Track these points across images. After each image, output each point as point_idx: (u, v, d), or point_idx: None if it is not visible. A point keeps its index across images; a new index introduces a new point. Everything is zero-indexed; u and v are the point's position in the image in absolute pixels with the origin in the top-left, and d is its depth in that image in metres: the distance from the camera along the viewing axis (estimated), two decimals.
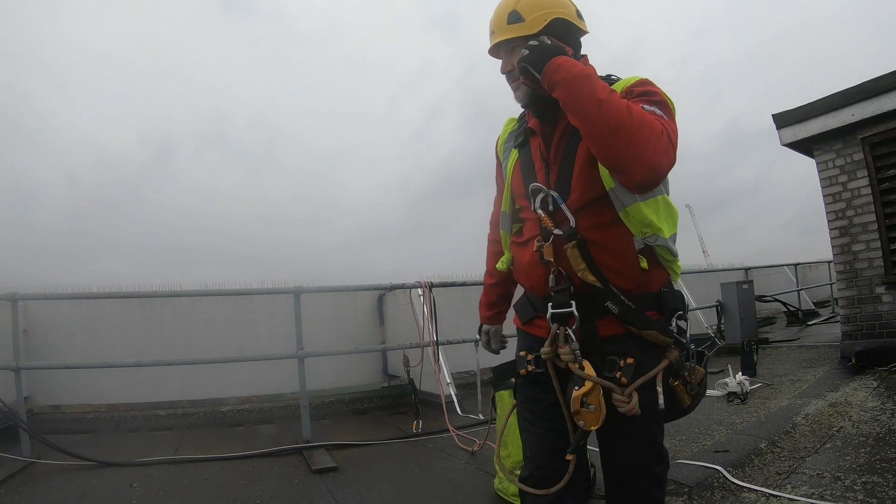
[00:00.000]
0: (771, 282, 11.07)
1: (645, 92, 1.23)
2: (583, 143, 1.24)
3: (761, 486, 2.54)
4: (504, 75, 1.38)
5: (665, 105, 1.21)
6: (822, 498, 2.35)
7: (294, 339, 4.29)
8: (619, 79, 1.33)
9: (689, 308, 8.21)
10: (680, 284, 8.71)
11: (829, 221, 5.61)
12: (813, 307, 10.98)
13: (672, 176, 1.26)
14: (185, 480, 3.26)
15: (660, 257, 1.33)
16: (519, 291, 1.61)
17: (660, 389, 1.28)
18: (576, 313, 1.26)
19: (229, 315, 5.97)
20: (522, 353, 1.41)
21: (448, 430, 4.06)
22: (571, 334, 1.26)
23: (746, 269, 9.66)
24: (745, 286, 7.71)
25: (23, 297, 4.20)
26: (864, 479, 2.49)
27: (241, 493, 3.04)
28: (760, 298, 8.88)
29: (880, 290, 5.22)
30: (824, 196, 5.64)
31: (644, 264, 1.29)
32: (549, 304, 1.30)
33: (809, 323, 9.20)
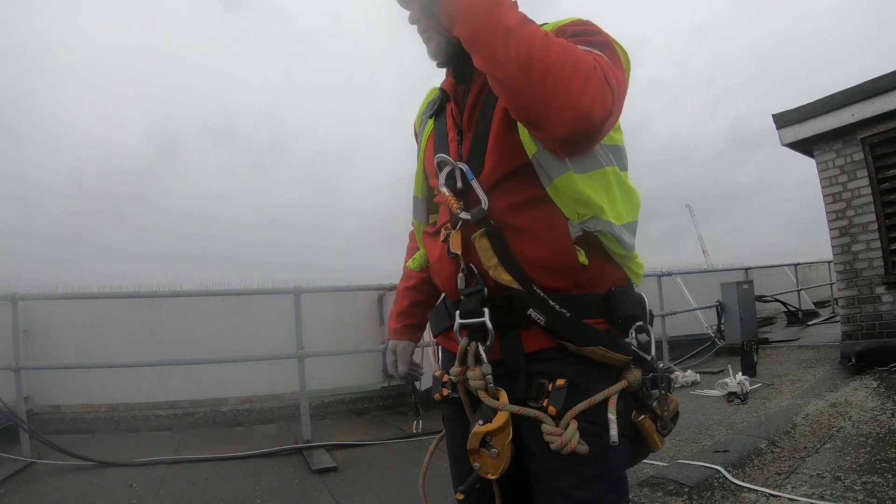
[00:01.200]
0: (771, 282, 11.07)
1: (582, 31, 0.92)
2: (501, 101, 0.94)
3: (761, 486, 2.54)
4: (414, 26, 1.09)
5: (609, 46, 0.90)
6: (822, 498, 2.35)
7: (294, 339, 4.30)
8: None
9: (689, 308, 8.14)
10: (679, 284, 8.72)
11: (829, 221, 5.61)
12: (813, 307, 10.99)
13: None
14: (185, 480, 3.26)
15: (610, 251, 0.99)
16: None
17: (612, 417, 0.91)
18: (488, 324, 0.95)
19: (229, 315, 5.97)
20: (438, 374, 1.11)
21: None
22: (482, 353, 0.96)
23: (746, 269, 9.65)
24: (745, 286, 7.71)
25: (23, 297, 4.20)
26: (864, 479, 2.49)
27: (241, 493, 3.04)
28: (760, 298, 8.88)
29: (880, 290, 5.22)
30: (824, 196, 5.64)
31: (583, 258, 0.95)
32: (458, 311, 1.00)
33: (809, 323, 9.21)
